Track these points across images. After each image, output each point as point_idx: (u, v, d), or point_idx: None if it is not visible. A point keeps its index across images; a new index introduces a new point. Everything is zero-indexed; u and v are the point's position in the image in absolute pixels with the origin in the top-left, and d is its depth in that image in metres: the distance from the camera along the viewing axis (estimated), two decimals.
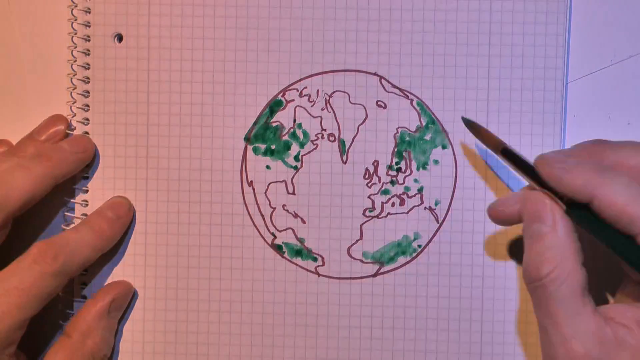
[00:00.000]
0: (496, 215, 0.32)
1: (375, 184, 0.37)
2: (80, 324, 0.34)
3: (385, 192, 0.36)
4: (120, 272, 0.37)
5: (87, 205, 0.37)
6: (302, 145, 0.37)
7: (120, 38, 0.37)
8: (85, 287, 0.37)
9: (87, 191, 0.37)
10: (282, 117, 0.37)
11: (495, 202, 0.32)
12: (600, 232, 0.29)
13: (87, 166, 0.37)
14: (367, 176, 0.37)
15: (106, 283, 0.37)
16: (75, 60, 0.37)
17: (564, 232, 0.29)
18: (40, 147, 0.35)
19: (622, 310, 0.29)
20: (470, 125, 0.34)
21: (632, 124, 0.36)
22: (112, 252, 0.36)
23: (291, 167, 0.37)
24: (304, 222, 0.37)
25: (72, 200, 0.37)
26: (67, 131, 0.36)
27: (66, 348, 0.34)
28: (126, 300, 0.36)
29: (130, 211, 0.36)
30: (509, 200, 0.31)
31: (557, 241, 0.29)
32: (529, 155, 0.34)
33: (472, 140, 0.36)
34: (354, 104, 0.36)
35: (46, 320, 0.36)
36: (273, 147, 0.37)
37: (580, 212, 0.29)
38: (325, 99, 0.37)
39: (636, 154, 0.30)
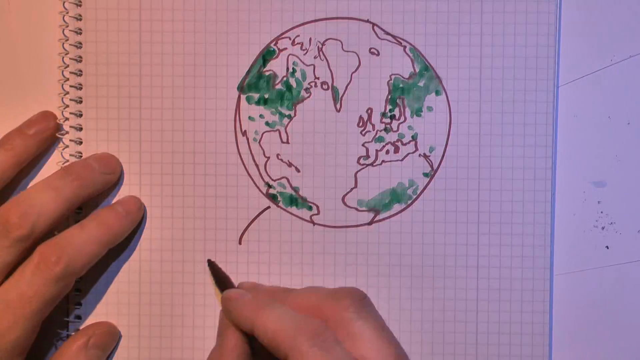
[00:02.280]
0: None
1: (369, 131, 0.36)
2: (57, 358, 0.34)
3: (380, 139, 0.36)
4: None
5: (80, 156, 0.37)
6: (295, 94, 0.36)
7: None
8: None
9: (80, 142, 0.37)
10: (275, 66, 0.37)
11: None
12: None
13: (80, 116, 0.37)
14: (361, 124, 0.36)
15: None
16: (67, 12, 0.36)
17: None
18: (69, 166, 0.35)
19: None
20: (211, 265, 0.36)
21: (632, 124, 0.36)
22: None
23: (285, 116, 0.37)
24: (298, 171, 0.37)
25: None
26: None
27: None
28: (108, 338, 0.36)
29: (140, 210, 0.36)
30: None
31: None
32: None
33: (466, 85, 0.36)
34: (347, 51, 0.36)
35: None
36: (266, 96, 0.37)
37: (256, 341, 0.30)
38: (318, 47, 0.36)
39: (308, 294, 0.32)
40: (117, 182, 0.36)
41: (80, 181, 0.34)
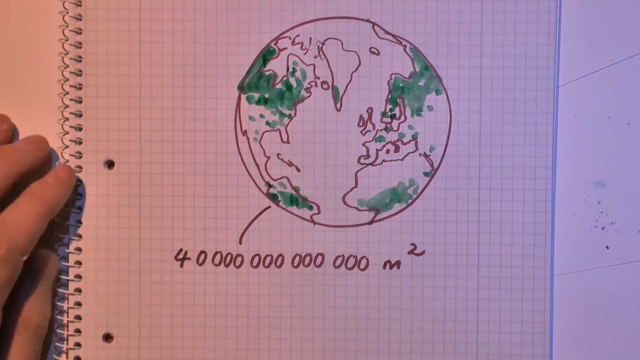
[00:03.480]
0: None
1: (369, 131, 0.36)
2: None
3: (380, 139, 0.36)
4: (115, 223, 0.37)
5: (80, 155, 0.36)
6: (295, 94, 0.36)
7: None
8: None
9: (80, 142, 0.37)
10: (275, 66, 0.36)
11: None
12: None
13: (80, 116, 0.37)
14: (361, 123, 0.36)
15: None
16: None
17: None
18: None
19: None
20: None
21: (632, 124, 0.36)
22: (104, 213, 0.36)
23: (285, 115, 0.36)
24: (298, 170, 0.37)
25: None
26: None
27: None
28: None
29: (72, 175, 0.36)
30: None
31: None
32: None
33: (466, 85, 0.36)
34: (347, 51, 0.36)
35: None
36: (267, 95, 0.37)
37: None
38: (318, 46, 0.36)
39: None
40: (47, 159, 0.36)
41: (6, 160, 0.34)
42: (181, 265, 0.37)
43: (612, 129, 0.36)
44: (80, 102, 0.37)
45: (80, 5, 0.36)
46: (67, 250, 0.37)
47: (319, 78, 0.36)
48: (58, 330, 0.37)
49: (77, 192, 0.37)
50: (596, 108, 0.36)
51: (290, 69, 0.36)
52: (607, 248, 0.36)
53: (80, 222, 0.37)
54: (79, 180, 0.37)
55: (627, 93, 0.36)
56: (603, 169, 0.36)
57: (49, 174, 0.35)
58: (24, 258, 0.33)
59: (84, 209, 0.36)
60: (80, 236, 0.37)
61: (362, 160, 0.36)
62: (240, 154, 0.37)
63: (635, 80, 0.36)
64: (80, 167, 0.37)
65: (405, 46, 0.36)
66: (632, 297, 0.36)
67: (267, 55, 0.36)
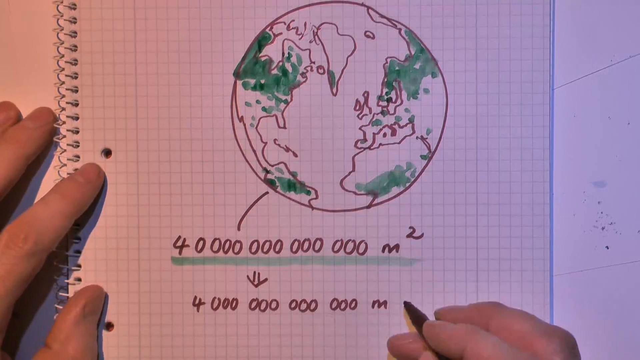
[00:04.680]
0: (394, 349, 0.34)
1: (366, 115, 0.36)
2: (58, 334, 0.34)
3: (377, 122, 0.36)
4: (113, 212, 0.37)
5: (77, 145, 0.36)
6: (291, 79, 0.36)
7: None
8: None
9: (77, 131, 0.37)
10: (271, 51, 0.36)
11: (395, 336, 0.34)
12: None
13: (76, 105, 0.37)
14: (357, 107, 0.36)
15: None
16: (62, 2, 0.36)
17: None
18: (5, 132, 0.35)
19: None
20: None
21: (632, 124, 0.36)
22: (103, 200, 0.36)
23: (281, 101, 0.36)
24: (295, 155, 0.37)
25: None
26: (55, 125, 0.36)
27: (48, 359, 0.33)
28: (99, 303, 0.36)
29: (100, 175, 0.36)
30: (406, 337, 0.34)
31: None
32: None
33: (462, 67, 0.36)
34: (342, 35, 0.36)
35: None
36: (262, 81, 0.36)
37: None
38: (313, 31, 0.36)
39: (520, 321, 0.31)
40: (54, 131, 0.36)
41: (19, 143, 0.34)
42: (180, 253, 0.37)
43: (612, 129, 0.36)
44: (77, 91, 0.37)
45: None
46: (68, 239, 0.37)
47: (314, 63, 0.36)
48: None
49: None
50: (596, 108, 0.36)
51: (286, 54, 0.36)
52: (607, 248, 0.36)
53: None
54: (76, 169, 0.36)
55: (627, 93, 0.36)
56: (603, 169, 0.36)
57: (79, 172, 0.36)
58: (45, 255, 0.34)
59: None
60: (79, 225, 0.37)
61: (359, 144, 0.36)
62: (237, 140, 0.37)
63: (635, 80, 0.36)
64: (78, 157, 0.37)
65: (400, 29, 0.36)
66: (632, 297, 0.36)
67: (262, 40, 0.36)
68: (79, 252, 0.37)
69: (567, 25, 0.36)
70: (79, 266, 0.37)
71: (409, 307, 0.35)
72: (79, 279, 0.37)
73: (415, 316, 0.35)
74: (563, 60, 0.36)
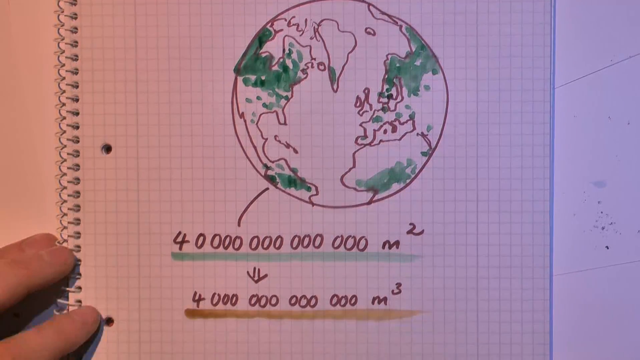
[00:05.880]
0: None
1: (366, 111, 0.36)
2: None
3: (377, 119, 0.36)
4: (113, 207, 0.37)
5: (77, 140, 0.36)
6: (292, 75, 0.36)
7: None
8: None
9: (77, 127, 0.37)
10: (271, 48, 0.36)
11: None
12: None
13: (77, 101, 0.37)
14: (358, 104, 0.36)
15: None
16: None
17: None
18: (19, 255, 0.34)
19: None
20: None
21: (632, 124, 0.36)
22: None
23: (282, 97, 0.36)
24: (296, 152, 0.37)
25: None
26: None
27: None
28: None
29: (96, 322, 0.36)
30: None
31: None
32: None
33: (462, 64, 0.36)
34: (343, 31, 0.36)
35: None
36: (263, 77, 0.36)
37: None
38: (314, 27, 0.36)
39: None
40: (69, 273, 0.36)
41: (28, 271, 0.33)
42: (180, 248, 0.37)
43: (612, 129, 0.36)
44: (77, 86, 0.37)
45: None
46: (68, 235, 0.37)
47: (315, 59, 0.36)
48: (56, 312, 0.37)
49: (74, 177, 0.37)
50: (596, 108, 0.36)
51: (287, 51, 0.36)
52: (607, 248, 0.36)
53: (78, 207, 0.36)
54: (77, 164, 0.36)
55: (627, 93, 0.36)
56: (603, 169, 0.36)
57: (77, 313, 0.36)
58: None
59: (82, 193, 0.36)
60: (79, 220, 0.37)
61: (359, 141, 0.36)
62: (237, 136, 0.37)
63: (635, 80, 0.36)
64: (78, 152, 0.37)
65: (401, 26, 0.36)
66: (632, 297, 0.36)
67: (262, 37, 0.36)
68: (78, 247, 0.37)
69: (567, 26, 0.36)
70: (79, 261, 0.37)
71: None
72: (79, 274, 0.37)
73: None
74: (563, 61, 0.36)
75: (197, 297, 0.37)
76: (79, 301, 0.37)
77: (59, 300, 0.37)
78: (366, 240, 0.36)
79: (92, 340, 0.37)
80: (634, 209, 0.36)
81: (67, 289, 0.37)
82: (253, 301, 0.37)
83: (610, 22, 0.36)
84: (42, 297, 0.37)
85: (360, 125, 0.36)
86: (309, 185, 0.37)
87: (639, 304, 0.36)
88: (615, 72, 0.36)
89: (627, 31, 0.36)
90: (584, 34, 0.36)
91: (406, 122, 0.36)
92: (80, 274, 0.37)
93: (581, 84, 0.36)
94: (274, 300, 0.37)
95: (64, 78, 0.36)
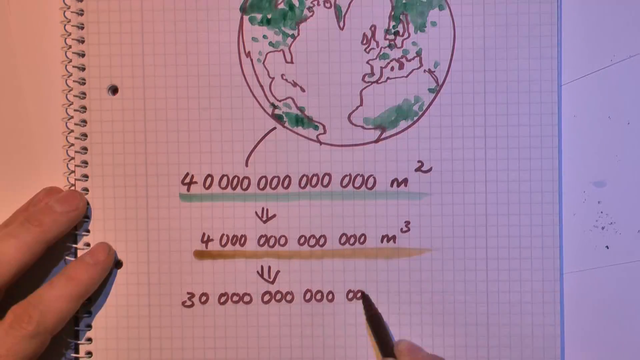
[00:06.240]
0: None
1: (373, 48, 0.36)
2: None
3: (384, 56, 0.36)
4: (120, 149, 0.37)
5: (85, 110, 0.36)
6: (298, 13, 0.36)
7: None
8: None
9: (84, 83, 0.36)
10: None
11: None
12: None
13: (82, 42, 0.36)
14: (364, 41, 0.36)
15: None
16: None
17: None
18: (30, 212, 0.34)
19: None
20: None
21: (632, 124, 0.36)
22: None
23: (288, 35, 0.36)
24: (303, 90, 0.36)
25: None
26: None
27: None
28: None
29: (110, 255, 0.36)
30: None
31: None
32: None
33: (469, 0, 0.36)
34: None
35: None
36: (269, 16, 0.36)
37: None
38: None
39: None
40: (82, 216, 0.36)
41: (42, 227, 0.34)
42: (188, 190, 0.37)
43: (612, 129, 0.36)
44: (82, 27, 0.36)
45: None
46: (75, 178, 0.37)
47: None
48: (67, 258, 0.37)
49: (81, 119, 0.36)
50: (596, 108, 0.36)
51: None
52: (607, 248, 0.36)
53: (86, 149, 0.36)
54: (83, 107, 0.36)
55: (627, 93, 0.36)
56: (603, 169, 0.36)
57: (87, 254, 0.35)
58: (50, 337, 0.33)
59: (89, 135, 0.36)
60: (87, 163, 0.36)
61: (366, 79, 0.36)
62: (244, 75, 0.36)
63: (635, 80, 0.36)
64: (84, 94, 0.36)
65: None
66: (632, 297, 0.36)
67: None
68: (86, 189, 0.36)
69: (567, 25, 0.36)
70: (87, 204, 0.37)
71: (366, 302, 0.36)
72: (88, 230, 0.37)
73: (370, 314, 0.35)
74: (563, 61, 0.36)
75: (205, 238, 0.37)
76: (88, 244, 0.37)
77: (68, 244, 0.37)
78: (374, 178, 0.36)
79: (102, 283, 0.36)
80: (634, 209, 0.36)
81: (76, 232, 0.37)
82: (262, 241, 0.37)
83: (611, 22, 0.36)
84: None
85: (367, 62, 0.36)
86: (316, 124, 0.36)
87: (639, 303, 0.36)
88: (615, 72, 0.36)
89: (627, 31, 0.36)
90: (584, 34, 0.36)
91: (413, 58, 0.36)
92: (88, 217, 0.37)
93: (581, 84, 0.36)
94: (282, 241, 0.37)
95: (69, 20, 0.36)
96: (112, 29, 0.36)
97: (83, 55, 0.36)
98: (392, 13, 0.36)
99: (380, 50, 0.36)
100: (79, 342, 0.36)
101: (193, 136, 0.37)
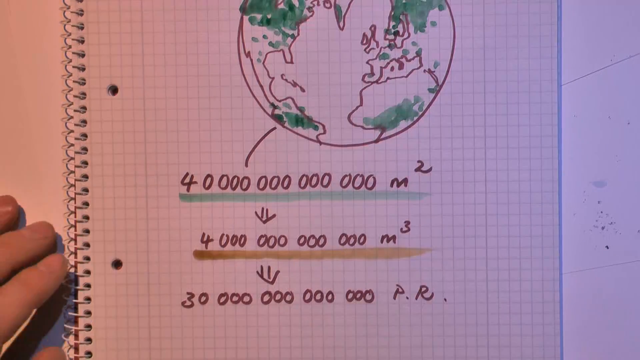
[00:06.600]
0: None
1: (373, 48, 0.36)
2: None
3: (384, 56, 0.36)
4: (120, 149, 0.37)
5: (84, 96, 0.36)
6: (298, 13, 0.36)
7: None
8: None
9: (84, 83, 0.36)
10: None
11: None
12: None
13: (82, 42, 0.36)
14: (364, 41, 0.36)
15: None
16: None
17: None
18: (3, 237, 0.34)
19: None
20: None
21: (632, 124, 0.36)
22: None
23: (288, 35, 0.36)
24: (303, 90, 0.36)
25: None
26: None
27: None
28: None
29: (64, 265, 0.35)
30: None
31: None
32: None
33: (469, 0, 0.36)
34: None
35: None
36: (269, 16, 0.36)
37: None
38: None
39: None
40: (52, 246, 0.36)
41: (8, 247, 0.34)
42: (188, 190, 0.37)
43: (612, 129, 0.36)
44: (82, 28, 0.36)
45: None
46: (75, 178, 0.37)
47: None
48: (69, 258, 0.37)
49: (81, 120, 0.36)
50: (596, 108, 0.36)
51: None
52: (607, 248, 0.36)
53: (85, 149, 0.36)
54: (83, 107, 0.36)
55: (627, 93, 0.36)
56: (603, 169, 0.36)
57: (42, 262, 0.35)
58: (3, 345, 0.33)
59: (89, 135, 0.36)
60: (86, 163, 0.36)
61: (366, 79, 0.36)
62: (244, 75, 0.36)
63: (635, 80, 0.36)
64: (84, 94, 0.36)
65: None
66: (632, 297, 0.36)
67: None
68: (86, 190, 0.36)
69: (567, 25, 0.36)
70: (87, 204, 0.37)
71: None
72: (87, 217, 0.37)
73: None
74: (563, 60, 0.36)
75: (205, 239, 0.37)
76: (87, 244, 0.37)
77: (64, 243, 0.37)
78: (374, 178, 0.36)
79: (102, 283, 0.36)
80: (634, 209, 0.36)
81: (76, 233, 0.37)
82: (261, 242, 0.37)
83: (611, 22, 0.36)
84: None
85: (367, 62, 0.36)
86: (316, 124, 0.36)
87: (639, 303, 0.36)
88: (615, 72, 0.36)
89: (627, 31, 0.36)
90: (584, 34, 0.36)
91: (413, 58, 0.36)
92: (88, 217, 0.37)
93: (581, 84, 0.36)
94: (282, 241, 0.37)
95: (69, 20, 0.36)
96: (112, 29, 0.36)
97: (83, 56, 0.36)
98: (392, 13, 0.36)
99: (380, 50, 0.36)
100: (78, 342, 0.36)
101: (193, 136, 0.37)
